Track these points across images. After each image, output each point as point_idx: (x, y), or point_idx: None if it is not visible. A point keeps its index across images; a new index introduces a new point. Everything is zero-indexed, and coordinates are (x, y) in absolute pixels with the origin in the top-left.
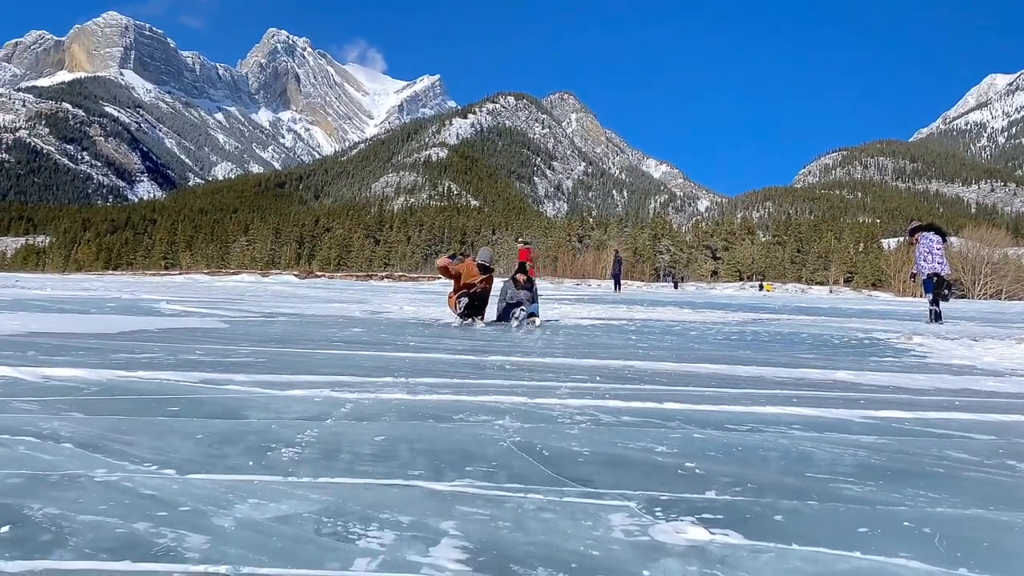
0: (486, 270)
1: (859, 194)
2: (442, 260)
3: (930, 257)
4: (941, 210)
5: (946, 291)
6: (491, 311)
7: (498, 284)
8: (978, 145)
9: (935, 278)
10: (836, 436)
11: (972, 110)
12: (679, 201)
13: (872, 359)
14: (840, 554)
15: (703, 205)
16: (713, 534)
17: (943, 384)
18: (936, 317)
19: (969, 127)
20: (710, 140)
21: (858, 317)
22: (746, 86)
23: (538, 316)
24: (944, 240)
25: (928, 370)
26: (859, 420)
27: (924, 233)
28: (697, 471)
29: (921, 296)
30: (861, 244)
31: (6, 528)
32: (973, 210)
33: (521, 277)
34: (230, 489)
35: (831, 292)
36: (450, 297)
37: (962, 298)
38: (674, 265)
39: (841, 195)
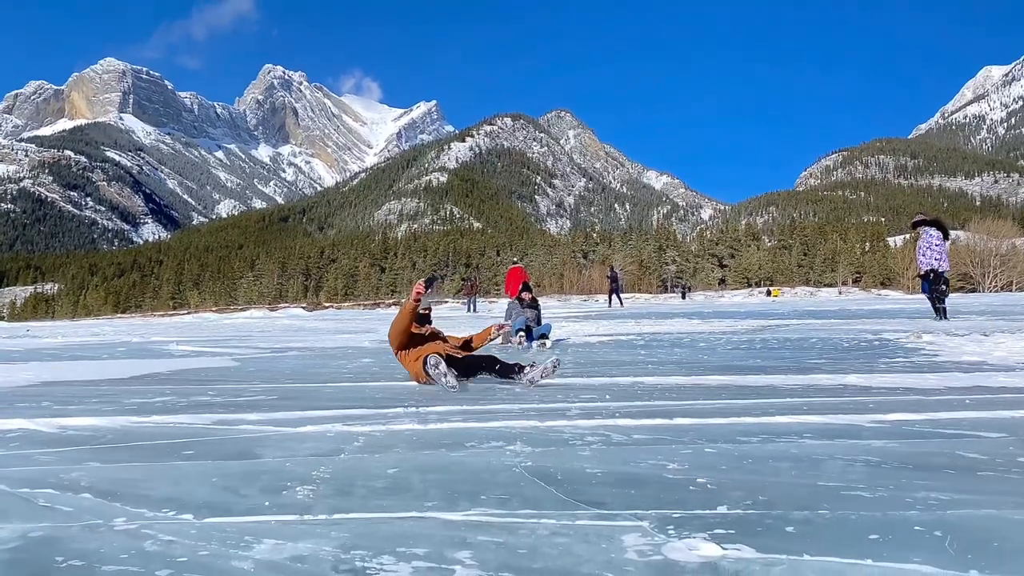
0: (424, 320)
1: (862, 194)
2: (416, 289)
3: (929, 252)
4: (945, 204)
5: (943, 287)
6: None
7: (502, 303)
8: (978, 138)
9: (931, 274)
10: (847, 443)
11: (970, 103)
12: (682, 211)
13: (882, 361)
14: (852, 563)
15: (706, 214)
16: (725, 549)
17: (954, 382)
18: (942, 314)
19: (968, 120)
20: (710, 149)
21: (868, 318)
22: (743, 92)
23: (548, 337)
24: (946, 237)
25: (938, 369)
26: (869, 425)
27: (926, 229)
28: (709, 486)
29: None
30: (867, 244)
31: None
32: (978, 203)
33: (527, 296)
34: (248, 531)
35: (840, 294)
36: (406, 359)
37: (972, 292)
38: (681, 275)
39: (844, 196)
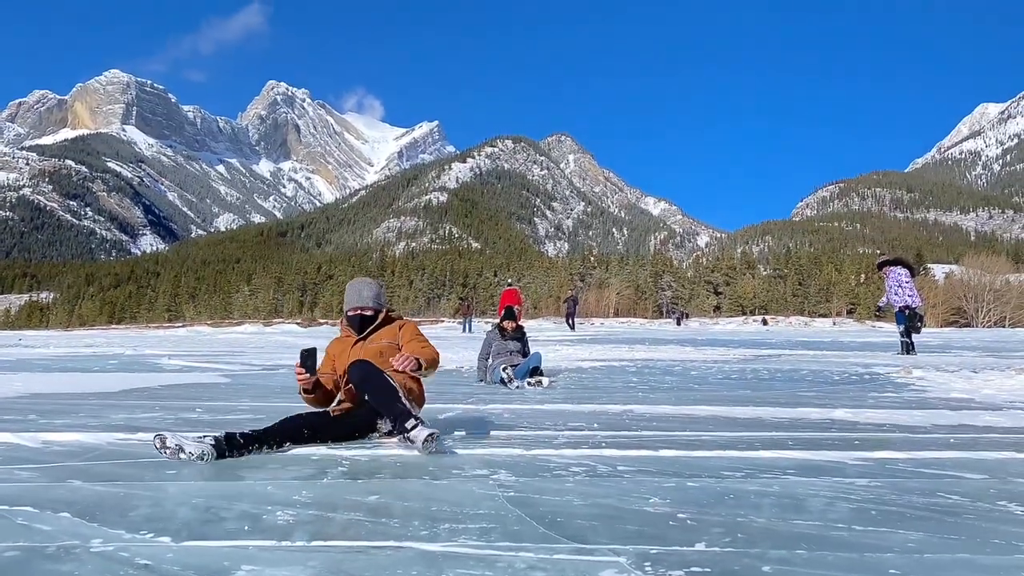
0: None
1: (858, 225)
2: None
3: (900, 291)
4: (940, 239)
5: (918, 323)
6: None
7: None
8: (973, 173)
9: (907, 311)
10: (830, 480)
11: (966, 139)
12: (679, 237)
13: (871, 395)
14: None
15: (703, 240)
16: None
17: (941, 420)
18: (908, 349)
19: (964, 156)
20: (707, 176)
21: (860, 351)
22: (742, 121)
23: (543, 373)
24: (913, 274)
25: (926, 405)
26: (853, 462)
27: (892, 268)
28: (689, 522)
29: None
30: (862, 275)
31: None
32: (972, 238)
33: (509, 325)
34: (225, 556)
35: (834, 324)
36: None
37: (966, 326)
38: (676, 301)
39: (840, 227)
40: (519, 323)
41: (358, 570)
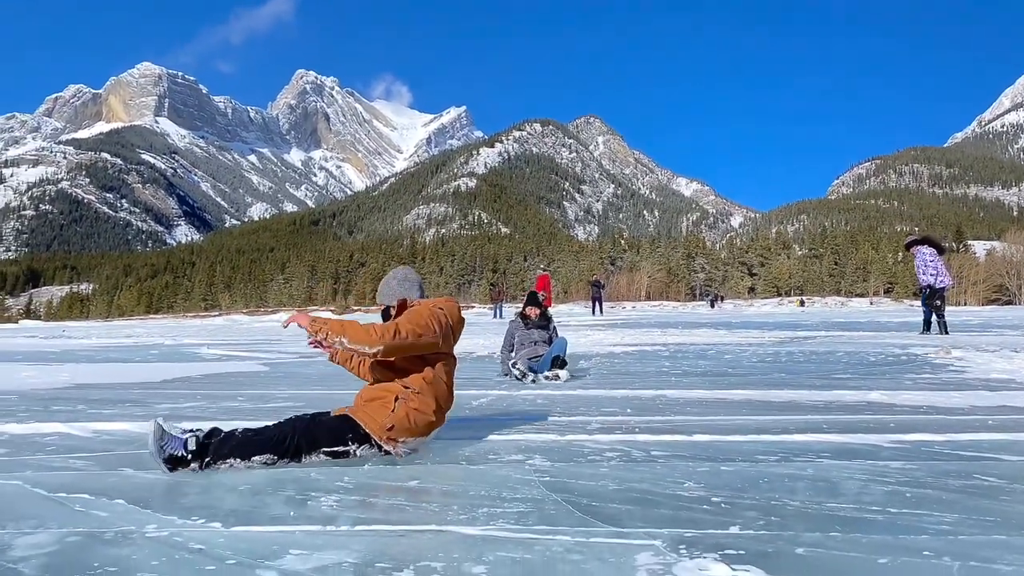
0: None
1: (895, 202)
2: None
3: (925, 270)
4: (981, 215)
5: (938, 302)
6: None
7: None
8: (1016, 146)
9: (927, 290)
10: (864, 464)
11: (1007, 111)
12: (712, 218)
13: (908, 377)
14: None
15: (736, 221)
16: (735, 570)
17: (979, 401)
18: (938, 328)
19: (1006, 129)
20: (741, 155)
21: (897, 331)
22: (776, 98)
23: (565, 364)
24: (941, 252)
25: (965, 387)
26: (888, 445)
27: (918, 248)
28: (723, 505)
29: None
30: (900, 253)
31: None
32: (1015, 213)
33: (532, 312)
34: (274, 541)
35: (871, 304)
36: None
37: (1008, 304)
38: (710, 283)
39: (877, 204)
40: (544, 309)
41: (400, 553)
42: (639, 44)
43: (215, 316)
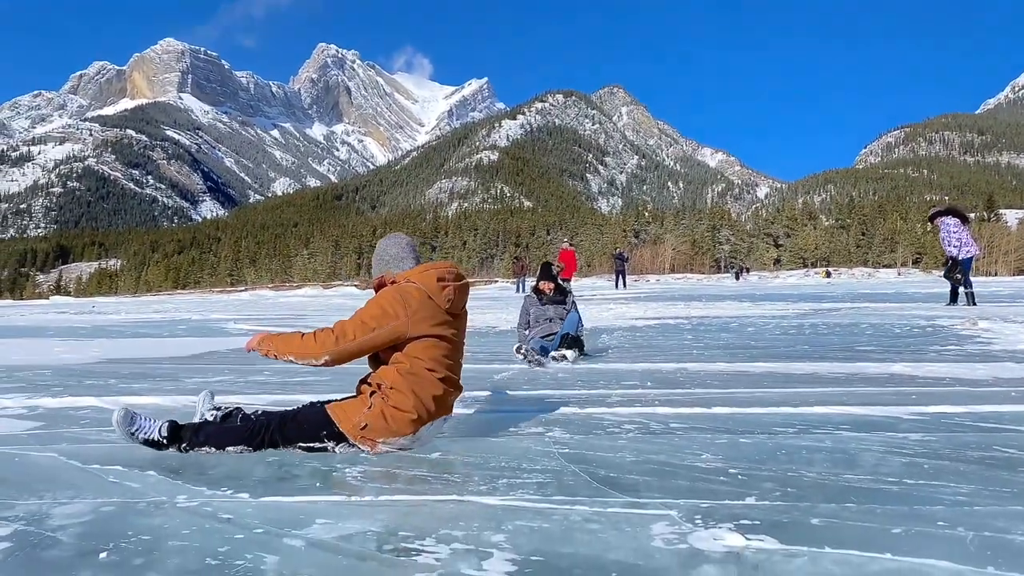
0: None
1: (925, 171)
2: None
3: (949, 240)
4: (1014, 183)
5: (957, 275)
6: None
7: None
8: None
9: (950, 262)
10: (883, 436)
11: None
12: (737, 189)
13: (933, 349)
14: (872, 556)
15: (762, 192)
16: (749, 540)
17: (1004, 373)
18: (957, 298)
19: None
20: (767, 125)
21: (924, 302)
22: (803, 66)
23: (577, 341)
24: (965, 222)
25: (990, 358)
26: (908, 417)
27: (943, 219)
28: (740, 477)
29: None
30: (928, 224)
31: (104, 554)
32: None
33: (546, 286)
34: (300, 511)
35: (899, 275)
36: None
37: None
38: (735, 256)
39: (906, 173)
40: (560, 283)
41: (422, 522)
42: (664, 12)
43: (241, 291)
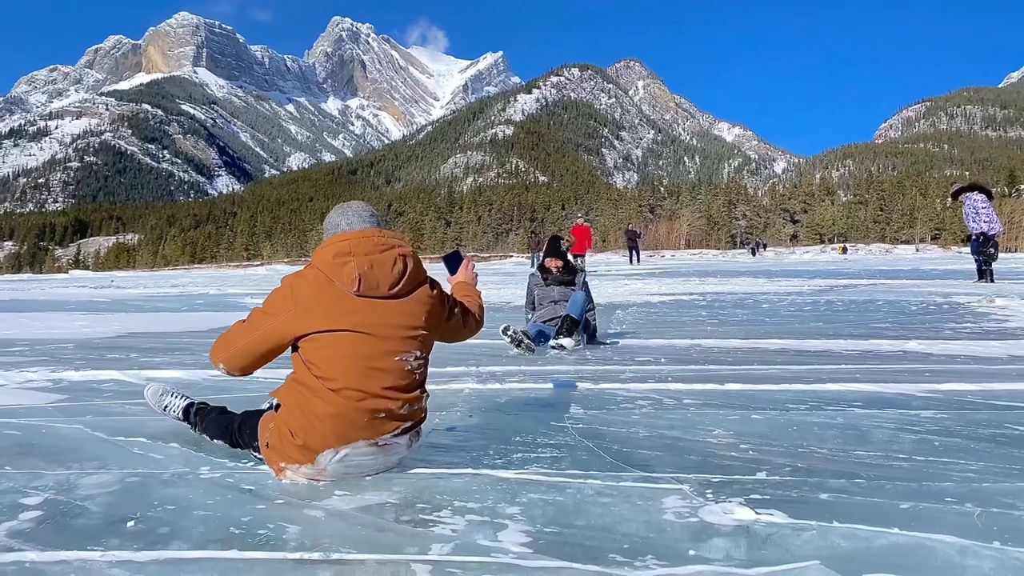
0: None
1: (945, 146)
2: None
3: (976, 217)
4: None
5: (991, 249)
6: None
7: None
8: None
9: (981, 237)
10: (895, 413)
11: None
12: (754, 164)
13: (949, 326)
14: (879, 531)
15: (779, 167)
16: (759, 514)
17: (1020, 351)
18: (983, 276)
19: None
20: (785, 99)
21: (941, 279)
22: (821, 38)
23: (576, 327)
24: (990, 198)
25: (1006, 336)
26: (921, 394)
27: (968, 194)
28: (751, 452)
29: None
30: (948, 199)
31: (131, 523)
32: None
33: (552, 264)
34: (319, 482)
35: (917, 251)
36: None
37: None
38: (751, 231)
39: (926, 148)
40: (569, 261)
41: (438, 494)
42: None
43: (257, 266)
